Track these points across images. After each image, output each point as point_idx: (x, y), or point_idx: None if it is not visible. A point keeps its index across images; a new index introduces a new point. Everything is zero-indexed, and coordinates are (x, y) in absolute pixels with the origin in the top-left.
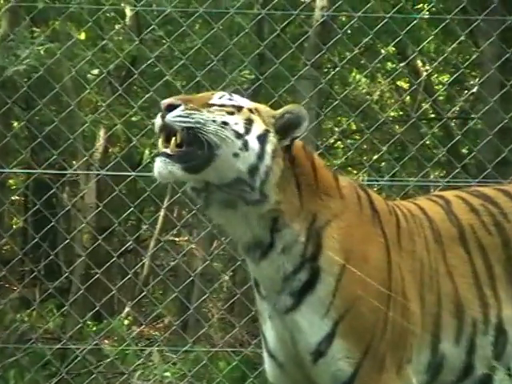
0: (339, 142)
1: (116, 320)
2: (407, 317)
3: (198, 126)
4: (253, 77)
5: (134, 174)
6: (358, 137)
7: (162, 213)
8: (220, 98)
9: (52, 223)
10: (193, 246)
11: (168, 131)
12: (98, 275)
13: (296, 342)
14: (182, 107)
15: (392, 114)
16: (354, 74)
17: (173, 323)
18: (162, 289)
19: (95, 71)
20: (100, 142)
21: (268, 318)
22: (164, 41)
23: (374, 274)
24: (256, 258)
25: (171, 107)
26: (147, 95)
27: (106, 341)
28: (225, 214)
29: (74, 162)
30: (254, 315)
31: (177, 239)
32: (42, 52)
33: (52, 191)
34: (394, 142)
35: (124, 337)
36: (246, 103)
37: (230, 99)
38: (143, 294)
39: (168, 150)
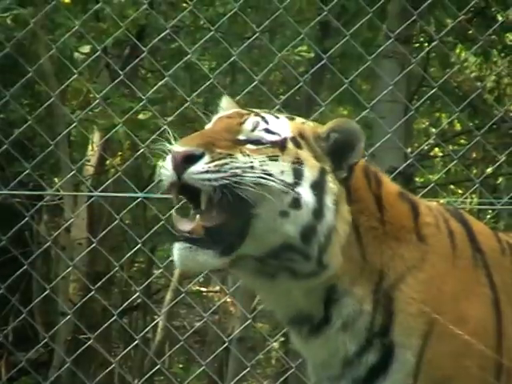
0: (437, 149)
1: None
2: None
3: (236, 179)
4: (312, 55)
5: (141, 195)
6: (464, 141)
7: None
8: (253, 131)
9: (24, 267)
10: (227, 298)
11: (189, 190)
12: (90, 342)
13: None
14: (206, 158)
15: None
16: (458, 50)
17: None
18: (184, 361)
19: (86, 48)
20: (93, 151)
21: None
22: (184, 4)
23: (474, 341)
24: (304, 333)
25: (190, 159)
26: (160, 82)
27: None
28: (258, 283)
29: (55, 180)
30: None
31: (204, 289)
32: (7, 20)
33: (24, 221)
34: None
35: None
36: (286, 128)
37: (268, 130)
38: (156, 367)
39: (188, 228)
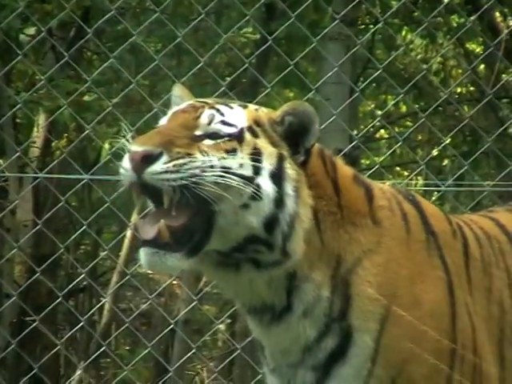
0: (383, 131)
1: None
2: (479, 382)
3: (195, 180)
4: (257, 37)
5: (87, 176)
6: (409, 123)
7: (128, 233)
8: (210, 124)
9: None
10: (173, 281)
11: (149, 190)
12: (35, 324)
13: None
14: (165, 157)
15: (459, 89)
16: (403, 32)
17: None
18: (130, 343)
19: (31, 30)
20: (38, 133)
21: None
22: None
23: (430, 325)
24: (265, 321)
25: (149, 159)
26: (105, 64)
27: None
28: (220, 275)
29: (0, 161)
30: (261, 380)
31: (150, 272)
32: None
33: None
34: (462, 131)
35: None
36: (242, 118)
37: (224, 122)
38: (102, 349)
39: (152, 234)
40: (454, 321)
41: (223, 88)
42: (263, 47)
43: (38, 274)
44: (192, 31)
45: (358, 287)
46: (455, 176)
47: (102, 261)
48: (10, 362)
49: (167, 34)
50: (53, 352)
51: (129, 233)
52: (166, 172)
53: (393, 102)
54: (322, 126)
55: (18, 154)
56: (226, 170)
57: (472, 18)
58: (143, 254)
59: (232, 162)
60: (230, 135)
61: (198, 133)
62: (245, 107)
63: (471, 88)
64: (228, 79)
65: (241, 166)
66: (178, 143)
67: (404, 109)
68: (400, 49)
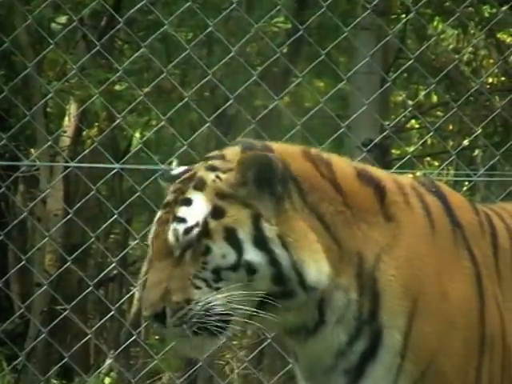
0: (414, 121)
1: (93, 377)
2: (509, 372)
3: (199, 324)
4: (289, 26)
5: (118, 166)
6: (440, 113)
7: None
8: (178, 240)
9: None
10: None
11: None
12: (66, 312)
13: None
14: (168, 312)
15: (490, 80)
16: (435, 22)
17: (175, 381)
18: (160, 332)
19: (62, 19)
20: (69, 122)
21: None
22: None
23: (458, 317)
24: (302, 339)
25: (158, 318)
26: (136, 53)
27: None
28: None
29: (31, 151)
30: (290, 370)
31: None
32: None
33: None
34: (493, 121)
35: None
36: (202, 207)
37: (187, 229)
38: (132, 338)
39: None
40: (483, 313)
41: (254, 78)
42: (294, 37)
43: (68, 263)
44: (223, 20)
45: (383, 283)
46: (487, 166)
47: (133, 250)
48: (40, 351)
49: (198, 23)
50: (83, 341)
51: None
52: (175, 326)
53: (424, 92)
54: (354, 116)
55: (49, 143)
56: (220, 277)
57: (504, 8)
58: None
59: (215, 261)
60: (198, 237)
61: (176, 254)
62: (202, 187)
63: (502, 78)
64: (259, 69)
65: (223, 256)
66: (173, 289)
67: (435, 99)
68: (432, 39)
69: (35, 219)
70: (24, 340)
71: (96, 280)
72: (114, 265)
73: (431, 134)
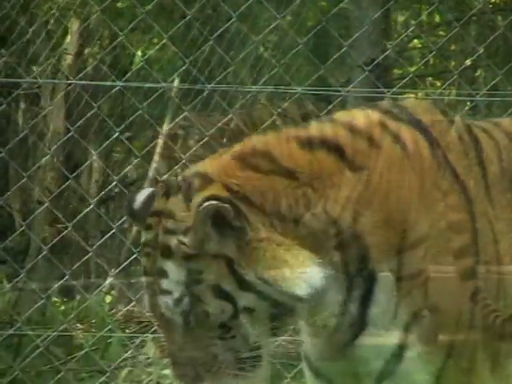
0: (416, 41)
1: (93, 295)
2: (504, 292)
3: (236, 366)
4: None
5: (120, 84)
6: (443, 33)
7: (160, 141)
8: (175, 307)
9: (0, 155)
10: None
11: None
12: (67, 230)
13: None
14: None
15: None
16: None
17: None
18: None
19: None
20: (71, 38)
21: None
22: None
23: (451, 241)
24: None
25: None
26: None
27: (80, 325)
28: None
29: (33, 68)
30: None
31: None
32: None
33: (0, 108)
34: (496, 40)
35: (105, 319)
36: (178, 279)
37: (177, 301)
38: (133, 256)
39: None
40: (475, 236)
41: None
42: None
43: (69, 181)
44: None
45: (367, 234)
46: (488, 86)
47: (135, 167)
48: (41, 268)
49: None
50: (84, 259)
51: (161, 140)
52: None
53: (426, 12)
54: (356, 35)
55: (50, 60)
56: (229, 327)
57: None
58: None
59: (217, 318)
60: (191, 305)
61: (179, 321)
62: (170, 254)
63: None
64: None
65: (222, 312)
66: (200, 364)
67: (438, 18)
68: None
69: (37, 137)
70: (25, 258)
71: (97, 198)
72: (115, 183)
73: (433, 53)
